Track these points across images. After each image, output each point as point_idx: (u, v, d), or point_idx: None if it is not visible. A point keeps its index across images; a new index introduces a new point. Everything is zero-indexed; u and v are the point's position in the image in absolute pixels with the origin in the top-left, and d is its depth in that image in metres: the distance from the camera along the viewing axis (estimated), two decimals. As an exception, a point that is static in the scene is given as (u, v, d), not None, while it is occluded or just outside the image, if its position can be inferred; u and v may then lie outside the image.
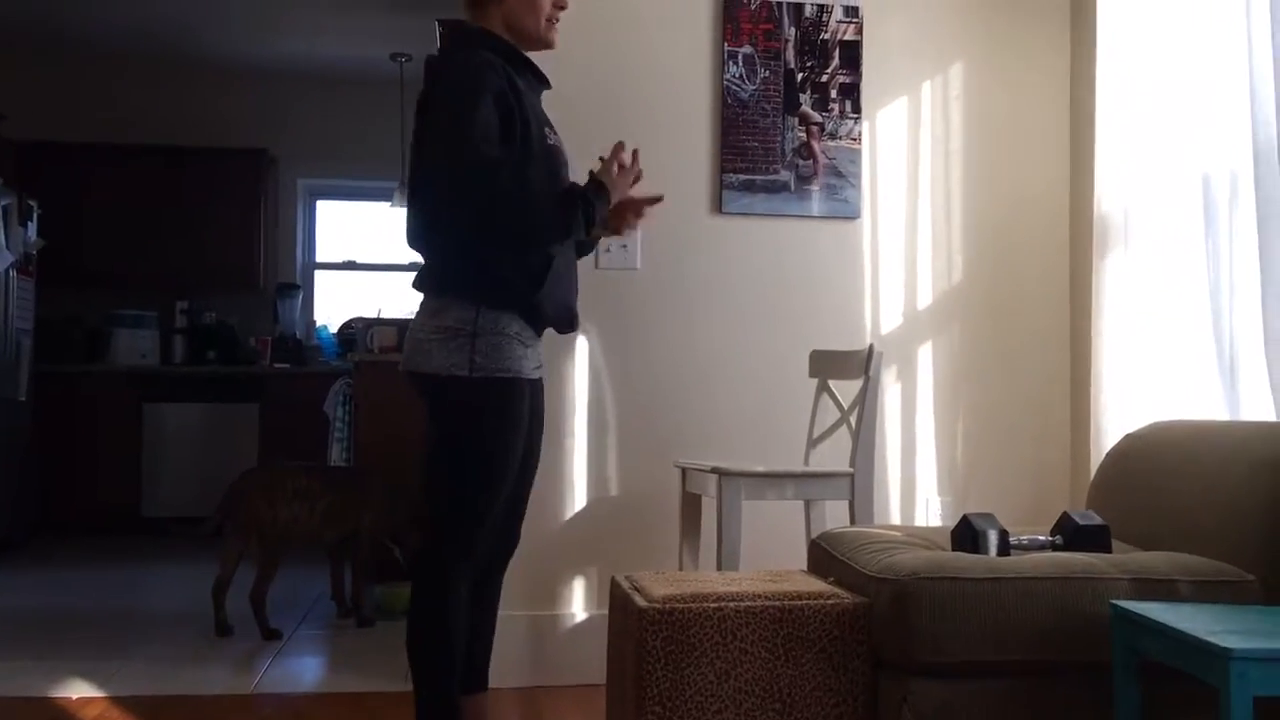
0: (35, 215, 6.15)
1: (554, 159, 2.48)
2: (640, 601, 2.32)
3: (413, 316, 2.47)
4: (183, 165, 7.08)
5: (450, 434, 2.40)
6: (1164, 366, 3.10)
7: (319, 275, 7.81)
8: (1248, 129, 2.70)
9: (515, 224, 2.34)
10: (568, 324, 2.55)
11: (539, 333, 2.49)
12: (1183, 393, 3.03)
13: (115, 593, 4.97)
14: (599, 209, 2.43)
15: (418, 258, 2.47)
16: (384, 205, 7.08)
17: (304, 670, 3.70)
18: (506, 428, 2.41)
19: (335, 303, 7.72)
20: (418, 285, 2.45)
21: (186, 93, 7.29)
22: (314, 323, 7.50)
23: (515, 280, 2.38)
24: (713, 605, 2.29)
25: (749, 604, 2.30)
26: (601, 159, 2.49)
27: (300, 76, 7.33)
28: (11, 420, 6.00)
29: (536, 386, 2.55)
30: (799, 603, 2.32)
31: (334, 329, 7.23)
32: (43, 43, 6.83)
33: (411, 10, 5.94)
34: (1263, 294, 2.65)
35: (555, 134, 2.55)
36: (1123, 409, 3.22)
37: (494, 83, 2.33)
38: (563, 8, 2.52)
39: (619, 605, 2.51)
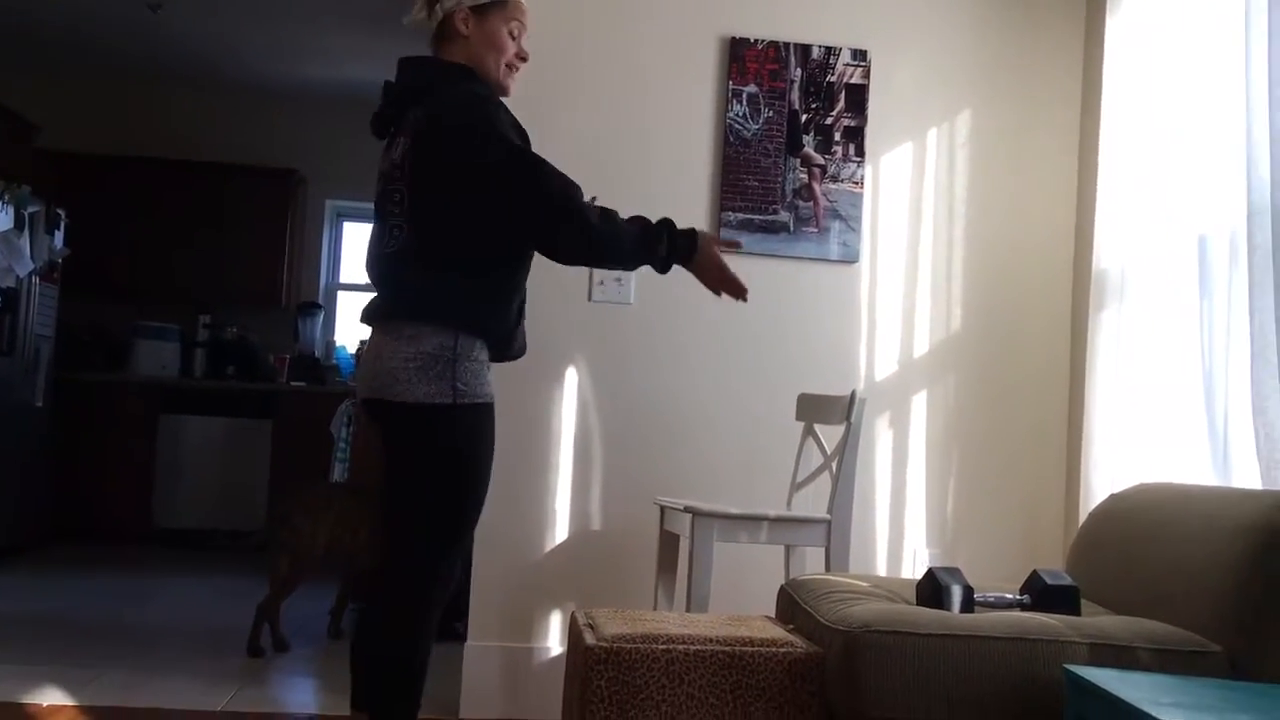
0: (63, 224, 6.25)
1: None
2: (589, 639, 2.29)
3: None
4: (213, 182, 7.18)
5: (441, 461, 2.36)
6: (1155, 427, 3.03)
7: (342, 296, 7.87)
8: (1243, 192, 2.65)
9: (611, 245, 2.39)
10: (519, 355, 2.56)
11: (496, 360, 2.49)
12: (1174, 454, 2.96)
13: (114, 601, 4.98)
14: (679, 249, 2.45)
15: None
16: (408, 229, 7.12)
17: (280, 689, 3.68)
18: (487, 451, 2.43)
19: (357, 324, 7.76)
20: (387, 313, 2.40)
21: (220, 111, 7.40)
22: (334, 342, 7.55)
23: (494, 312, 2.40)
24: (661, 647, 2.25)
25: (699, 648, 2.26)
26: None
27: (334, 99, 7.41)
28: (26, 425, 6.07)
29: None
30: (751, 649, 2.28)
31: (353, 349, 7.28)
32: (79, 56, 6.96)
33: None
34: (1252, 360, 2.58)
35: None
36: (1113, 468, 3.15)
37: (505, 114, 2.39)
38: (524, 59, 2.51)
39: (574, 642, 2.48)
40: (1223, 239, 2.82)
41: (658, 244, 2.42)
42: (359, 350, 6.10)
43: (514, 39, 2.47)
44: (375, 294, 2.47)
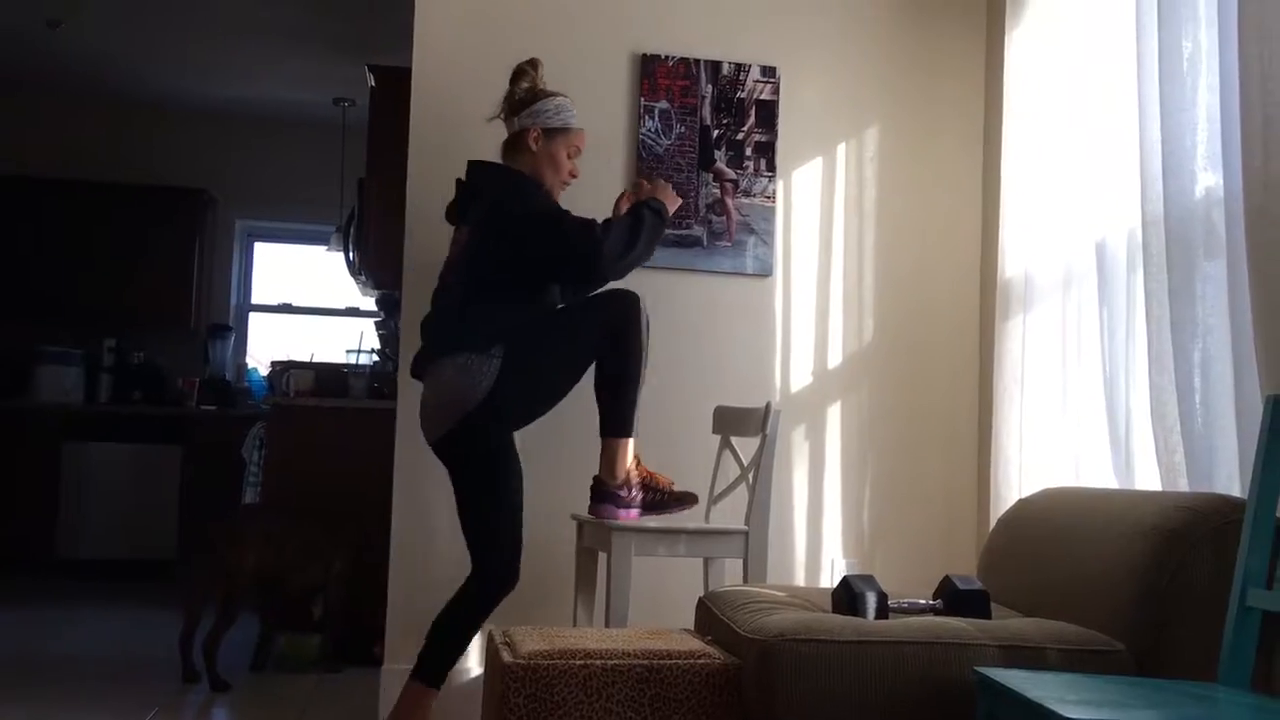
0: (-41, 246, 6.06)
1: None
2: (506, 657, 2.27)
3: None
4: (119, 202, 7.01)
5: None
6: (1061, 433, 3.10)
7: (254, 317, 7.73)
8: (1138, 202, 2.73)
9: (632, 255, 2.96)
10: None
11: None
12: (1080, 459, 3.04)
13: (16, 634, 4.80)
14: (663, 212, 3.02)
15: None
16: (321, 249, 7.04)
17: (190, 721, 3.58)
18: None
19: (270, 345, 7.63)
20: (456, 345, 2.88)
21: (126, 129, 7.24)
22: (245, 365, 7.41)
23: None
24: (578, 663, 2.24)
25: (616, 662, 2.25)
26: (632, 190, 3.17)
27: (244, 118, 7.31)
28: (-78, 454, 5.85)
29: None
30: (668, 662, 2.28)
31: (265, 371, 7.14)
32: (-21, 74, 6.77)
33: (352, 58, 5.98)
34: (1149, 366, 2.66)
35: None
36: (1022, 474, 3.22)
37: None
38: (574, 176, 3.06)
39: (491, 661, 2.46)
40: (1120, 249, 2.90)
41: (657, 230, 2.97)
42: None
43: (570, 159, 3.03)
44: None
